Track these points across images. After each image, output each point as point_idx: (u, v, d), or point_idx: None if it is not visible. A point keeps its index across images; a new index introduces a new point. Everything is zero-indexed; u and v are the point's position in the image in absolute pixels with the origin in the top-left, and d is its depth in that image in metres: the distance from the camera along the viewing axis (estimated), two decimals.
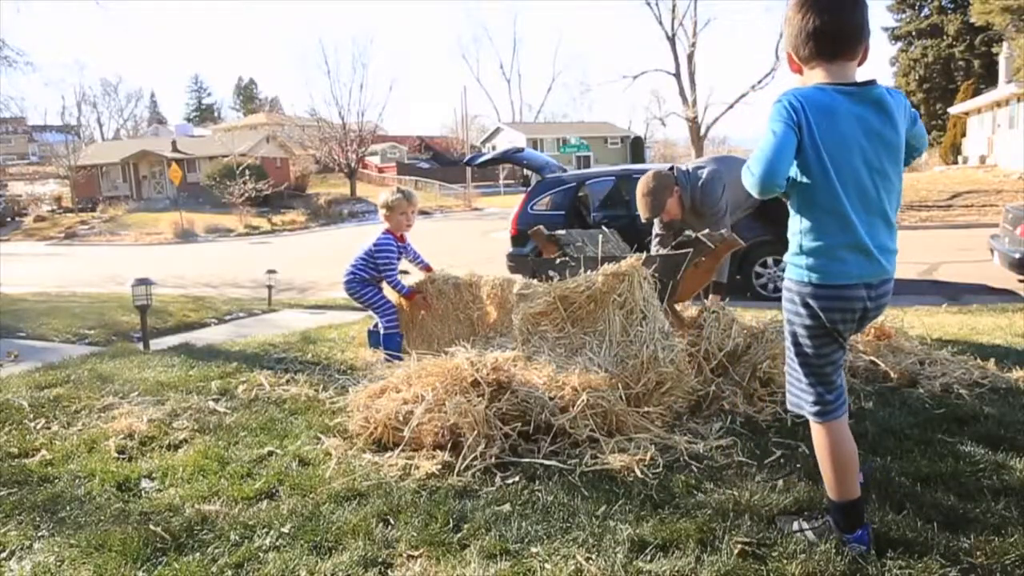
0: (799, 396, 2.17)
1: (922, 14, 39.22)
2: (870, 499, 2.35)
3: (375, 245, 4.62)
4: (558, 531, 2.32)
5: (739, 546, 2.14)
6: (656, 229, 4.91)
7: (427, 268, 4.93)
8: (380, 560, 2.20)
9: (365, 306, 4.85)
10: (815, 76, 2.00)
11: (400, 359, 4.09)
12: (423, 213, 29.74)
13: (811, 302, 2.05)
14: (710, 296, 4.83)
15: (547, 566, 2.11)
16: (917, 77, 38.21)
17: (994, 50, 31.36)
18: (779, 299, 2.25)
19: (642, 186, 4.58)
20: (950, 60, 37.38)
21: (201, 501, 2.65)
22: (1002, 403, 3.36)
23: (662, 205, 4.56)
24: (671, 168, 4.94)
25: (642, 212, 4.64)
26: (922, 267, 9.81)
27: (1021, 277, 7.95)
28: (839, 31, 1.94)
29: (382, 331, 4.66)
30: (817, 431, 2.13)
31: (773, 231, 7.24)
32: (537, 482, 2.70)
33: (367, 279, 4.67)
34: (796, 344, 2.13)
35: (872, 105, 1.96)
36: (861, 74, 2.01)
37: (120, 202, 40.67)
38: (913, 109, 2.11)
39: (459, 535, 2.32)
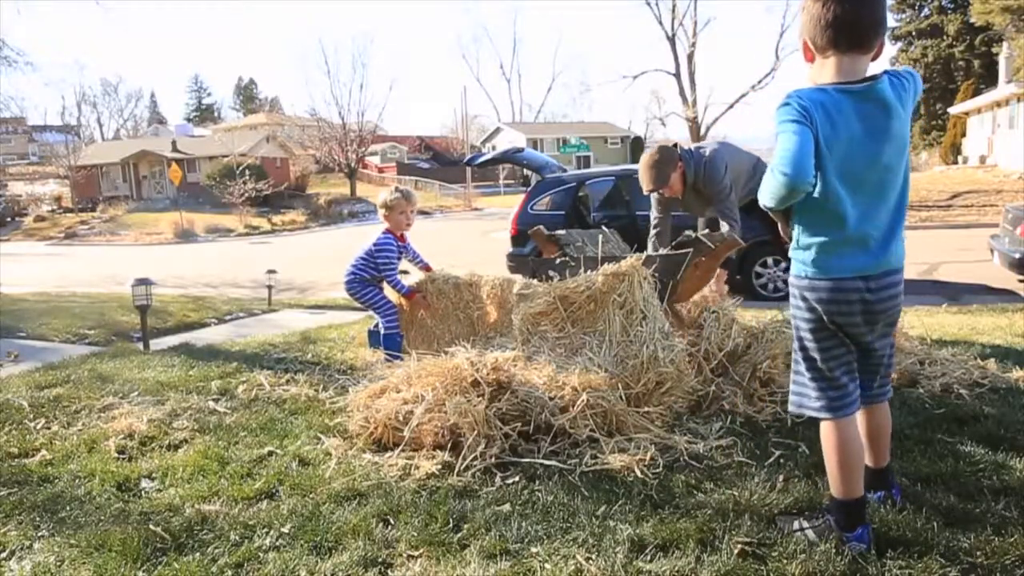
0: (801, 395, 2.17)
1: (922, 14, 39.20)
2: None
3: (375, 245, 4.62)
4: (558, 531, 2.32)
5: (739, 546, 2.14)
6: (653, 212, 4.90)
7: (427, 268, 4.92)
8: (380, 560, 2.20)
9: (365, 306, 4.85)
10: (827, 67, 2.00)
11: (400, 359, 4.08)
12: (423, 213, 29.74)
13: (808, 296, 2.08)
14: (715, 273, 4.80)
15: (547, 566, 2.11)
16: None
17: (994, 50, 31.35)
18: (779, 299, 2.26)
19: (647, 158, 4.55)
20: (950, 60, 37.37)
21: (201, 501, 2.65)
22: (1002, 403, 3.36)
23: (666, 178, 4.53)
24: (674, 145, 4.91)
25: (644, 185, 4.60)
26: (922, 267, 9.80)
27: (1021, 277, 7.95)
28: (857, 22, 1.94)
29: (382, 331, 4.66)
30: (824, 428, 2.14)
31: (773, 231, 7.22)
32: (537, 482, 2.70)
33: (368, 279, 4.67)
34: (799, 339, 2.15)
35: (875, 102, 1.96)
36: (874, 69, 2.01)
37: (120, 202, 40.65)
38: (919, 80, 2.09)
39: (459, 535, 2.32)
